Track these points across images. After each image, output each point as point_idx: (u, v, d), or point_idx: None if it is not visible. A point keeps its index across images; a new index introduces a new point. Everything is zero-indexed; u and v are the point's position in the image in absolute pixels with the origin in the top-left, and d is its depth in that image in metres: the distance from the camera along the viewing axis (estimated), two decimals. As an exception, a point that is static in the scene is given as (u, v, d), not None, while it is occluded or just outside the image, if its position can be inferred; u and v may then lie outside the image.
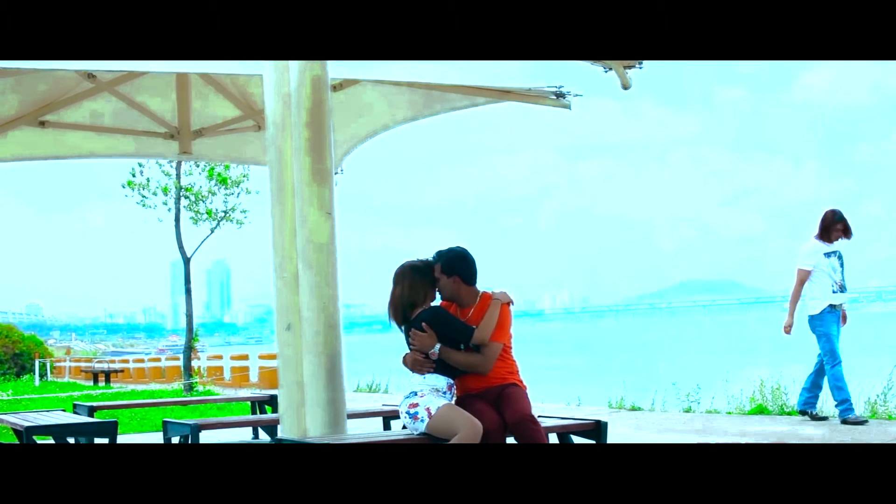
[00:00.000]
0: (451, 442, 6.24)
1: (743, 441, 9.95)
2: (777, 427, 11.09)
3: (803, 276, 11.14)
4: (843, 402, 10.92)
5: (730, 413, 13.01)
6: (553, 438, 6.88)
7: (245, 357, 29.59)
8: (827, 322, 11.03)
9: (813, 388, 11.41)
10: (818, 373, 11.32)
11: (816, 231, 11.26)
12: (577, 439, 7.14)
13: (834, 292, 11.08)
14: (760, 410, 12.60)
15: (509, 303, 6.76)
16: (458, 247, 6.89)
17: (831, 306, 11.06)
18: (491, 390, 6.64)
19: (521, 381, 6.80)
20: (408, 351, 6.71)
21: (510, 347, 6.81)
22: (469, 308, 6.79)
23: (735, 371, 15.87)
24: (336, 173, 10.73)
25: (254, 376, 27.85)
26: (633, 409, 14.23)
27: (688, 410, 13.65)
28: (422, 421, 6.43)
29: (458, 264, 6.78)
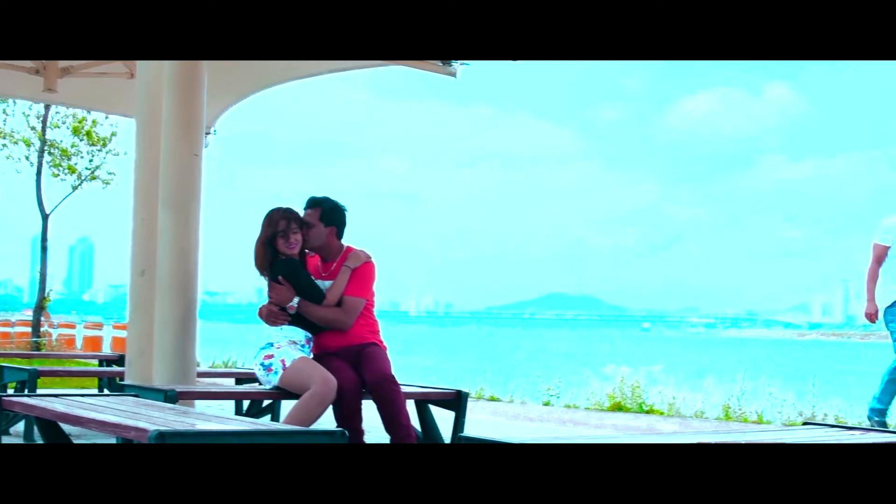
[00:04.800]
0: (303, 398, 5.97)
1: (600, 432, 9.89)
2: (635, 423, 11.08)
3: (879, 253, 9.08)
4: (882, 412, 8.92)
5: (588, 409, 12.97)
6: (412, 406, 6.63)
7: (99, 326, 28.80)
8: None
9: None
10: None
11: None
12: (436, 411, 6.91)
13: None
14: (619, 407, 12.60)
15: (368, 260, 6.53)
16: (334, 199, 6.61)
17: None
18: (350, 349, 6.37)
19: (382, 342, 6.55)
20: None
21: (372, 305, 6.56)
22: (332, 262, 6.52)
23: (595, 370, 15.91)
24: (208, 133, 10.37)
25: (107, 347, 27.07)
26: (492, 399, 14.13)
27: (547, 404, 13.58)
28: (275, 373, 6.15)
29: (336, 216, 6.54)
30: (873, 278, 9.03)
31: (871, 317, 9.03)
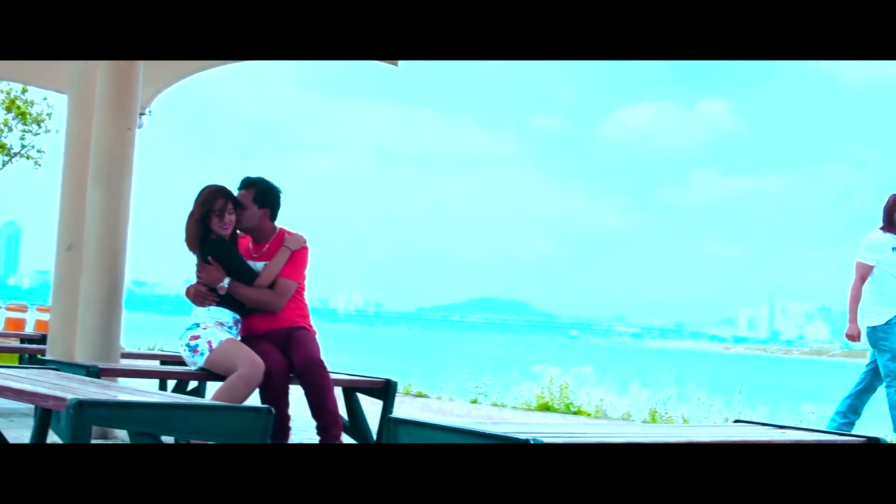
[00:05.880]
0: (230, 379, 5.85)
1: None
2: (563, 423, 11.05)
3: (864, 272, 8.68)
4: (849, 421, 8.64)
5: (515, 407, 12.95)
6: (339, 394, 6.54)
7: (23, 308, 28.32)
8: (894, 335, 8.46)
9: (850, 412, 8.65)
10: (859, 394, 8.66)
11: (881, 221, 8.78)
12: (364, 401, 6.82)
13: None
14: (546, 408, 12.60)
15: (305, 244, 6.43)
16: (269, 180, 6.49)
17: None
18: (279, 332, 6.27)
19: (311, 326, 6.46)
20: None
21: (304, 289, 6.46)
22: (265, 243, 6.41)
23: (524, 371, 15.93)
24: (143, 114, 10.17)
25: (30, 329, 26.63)
26: (420, 395, 14.06)
27: (474, 402, 13.55)
28: (201, 354, 6.01)
29: (271, 197, 6.43)
30: (857, 297, 8.70)
31: (854, 338, 8.69)
